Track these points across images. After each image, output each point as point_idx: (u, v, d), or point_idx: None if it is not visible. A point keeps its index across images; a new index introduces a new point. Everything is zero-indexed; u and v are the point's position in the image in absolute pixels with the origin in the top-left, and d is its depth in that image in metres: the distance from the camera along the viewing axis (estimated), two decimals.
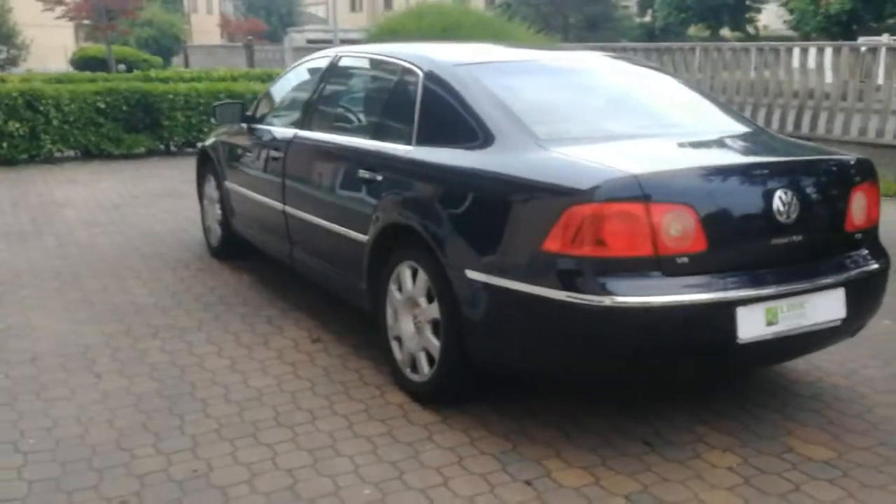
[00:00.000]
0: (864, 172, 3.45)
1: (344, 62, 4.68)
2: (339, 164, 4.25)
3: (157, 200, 8.35)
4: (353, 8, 57.12)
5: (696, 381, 3.71)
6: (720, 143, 3.62)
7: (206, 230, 6.19)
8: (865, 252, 3.41)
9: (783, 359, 3.54)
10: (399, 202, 3.68)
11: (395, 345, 3.80)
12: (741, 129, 3.83)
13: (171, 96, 11.16)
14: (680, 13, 28.85)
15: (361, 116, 4.47)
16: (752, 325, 3.01)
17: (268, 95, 5.42)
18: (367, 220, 3.86)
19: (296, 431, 3.42)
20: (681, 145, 3.50)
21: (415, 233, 3.55)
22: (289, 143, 4.70)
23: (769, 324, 3.05)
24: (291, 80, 5.29)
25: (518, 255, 3.10)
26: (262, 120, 5.30)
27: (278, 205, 4.75)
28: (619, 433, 3.38)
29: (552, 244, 2.96)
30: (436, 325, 3.50)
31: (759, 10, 30.12)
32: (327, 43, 23.24)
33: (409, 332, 3.69)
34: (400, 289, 3.72)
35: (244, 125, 5.41)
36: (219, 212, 5.87)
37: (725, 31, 29.43)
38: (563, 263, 2.96)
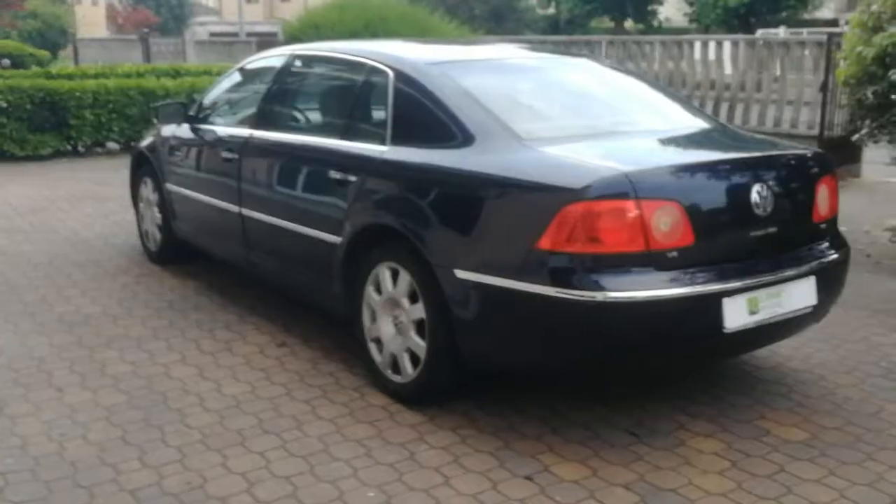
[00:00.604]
0: (825, 165, 3.62)
1: (301, 61, 4.61)
2: (304, 165, 4.19)
3: (76, 204, 8.02)
4: None
5: (682, 370, 3.82)
6: (694, 140, 3.75)
7: (143, 235, 6.00)
8: (829, 241, 3.59)
9: (761, 345, 3.69)
10: (376, 203, 3.67)
11: (373, 346, 3.79)
12: (705, 124, 3.96)
13: (78, 94, 10.72)
14: (586, 5, 29.44)
15: (326, 117, 4.42)
16: (736, 314, 3.13)
17: (212, 94, 5.29)
18: (339, 222, 3.83)
19: (283, 438, 3.37)
20: (659, 142, 3.61)
21: (395, 233, 3.55)
22: (243, 143, 4.60)
23: (751, 313, 3.18)
24: (239, 80, 5.17)
25: (510, 253, 3.13)
26: (206, 120, 5.17)
27: (233, 207, 4.65)
28: (605, 425, 3.46)
29: (546, 242, 3.00)
30: (420, 326, 3.50)
31: (661, 3, 31.01)
32: (233, 36, 22.77)
33: (389, 333, 3.68)
34: (378, 290, 3.70)
35: (187, 125, 5.26)
36: (158, 215, 5.70)
37: (629, 23, 30.20)
38: (557, 261, 3.01)
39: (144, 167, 5.83)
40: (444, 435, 3.38)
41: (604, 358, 3.14)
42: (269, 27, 23.77)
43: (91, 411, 3.61)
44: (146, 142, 5.86)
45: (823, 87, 9.39)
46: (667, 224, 3.02)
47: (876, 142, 6.70)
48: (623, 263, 3.00)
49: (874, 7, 6.28)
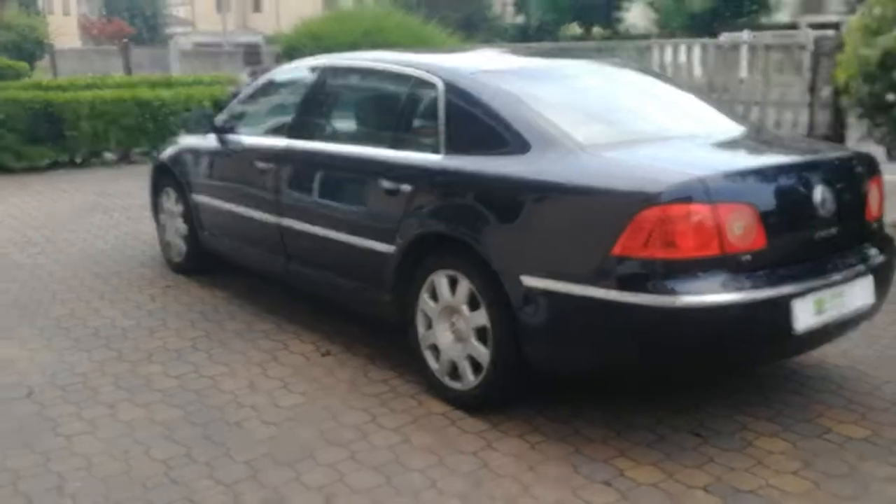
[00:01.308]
0: (873, 166, 3.67)
1: (338, 72, 4.58)
2: (350, 175, 4.18)
3: (84, 216, 7.92)
4: (218, 8, 55.46)
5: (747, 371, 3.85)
6: (748, 143, 3.78)
7: (165, 246, 5.94)
8: (881, 240, 3.64)
9: (822, 344, 3.71)
10: (433, 211, 3.66)
11: (428, 354, 3.78)
12: (744, 127, 4.01)
13: (74, 105, 10.61)
14: (554, 13, 29.59)
15: (372, 127, 4.40)
16: (805, 315, 3.16)
17: (239, 104, 5.25)
18: (391, 231, 3.83)
19: (352, 449, 3.35)
20: (717, 146, 3.64)
21: (454, 241, 3.55)
22: (280, 153, 4.57)
23: (818, 313, 3.21)
24: (270, 90, 5.14)
25: (581, 259, 3.14)
26: (235, 130, 5.14)
27: (271, 218, 4.63)
28: (668, 427, 3.48)
29: (620, 247, 3.01)
30: (481, 333, 3.51)
31: (627, 9, 31.26)
32: (217, 47, 22.61)
33: (446, 340, 3.68)
34: (434, 298, 3.70)
35: (213, 135, 5.23)
36: (183, 226, 5.65)
37: (597, 30, 30.38)
38: (632, 266, 3.02)
39: (166, 178, 5.78)
40: (513, 442, 3.37)
41: (677, 362, 3.16)
42: (251, 38, 23.61)
43: (148, 428, 3.57)
44: (168, 153, 5.80)
45: (811, 89, 9.52)
46: (740, 227, 3.04)
47: (883, 143, 6.79)
48: (698, 268, 3.01)
49: (877, 10, 6.37)
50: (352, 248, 4.08)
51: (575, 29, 30.87)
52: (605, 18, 30.00)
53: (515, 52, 5.78)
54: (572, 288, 3.13)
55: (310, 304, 4.97)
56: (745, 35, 22.71)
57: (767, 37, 23.05)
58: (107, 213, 8.06)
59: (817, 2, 34.19)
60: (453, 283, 3.61)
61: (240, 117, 5.20)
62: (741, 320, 3.06)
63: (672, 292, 2.98)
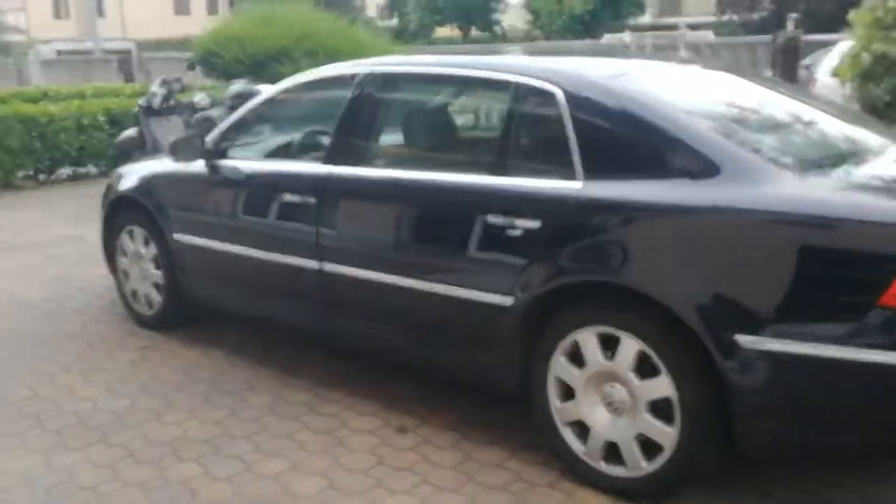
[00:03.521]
0: None
1: (392, 81, 3.72)
2: (437, 209, 3.35)
3: None
4: (57, 15, 51.75)
5: None
6: None
7: (129, 296, 4.87)
8: None
9: None
10: (579, 254, 2.91)
11: (569, 433, 3.03)
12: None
13: None
14: (434, 15, 29.10)
15: (456, 149, 3.58)
16: None
17: (236, 124, 4.28)
18: (507, 279, 3.05)
19: None
20: None
21: (616, 291, 2.82)
22: (320, 183, 3.68)
23: None
24: (283, 105, 4.22)
25: (831, 313, 2.47)
26: (236, 155, 4.20)
27: (308, 262, 3.73)
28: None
29: (892, 297, 2.36)
30: (659, 406, 2.79)
31: (504, 11, 31.18)
32: (83, 54, 20.56)
33: (600, 416, 2.94)
34: (576, 361, 2.95)
35: (203, 161, 4.25)
36: (156, 272, 4.63)
37: (475, 32, 30.15)
38: None
39: (130, 214, 4.73)
40: None
41: None
42: (123, 44, 21.72)
43: None
44: (130, 183, 4.74)
45: None
46: None
47: None
48: None
49: (892, 3, 6.08)
50: (442, 301, 3.27)
51: (452, 31, 30.53)
52: (482, 20, 29.75)
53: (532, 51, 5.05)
54: (819, 349, 2.46)
55: (330, 359, 4.12)
56: (627, 36, 22.99)
57: (648, 37, 23.38)
58: (21, 251, 6.80)
59: (676, 4, 35.37)
60: (608, 343, 2.87)
61: (239, 140, 4.25)
62: None
63: None
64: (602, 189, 2.89)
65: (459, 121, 3.72)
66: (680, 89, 3.24)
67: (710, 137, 2.80)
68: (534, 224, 2.98)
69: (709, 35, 19.49)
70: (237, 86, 8.09)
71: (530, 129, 3.22)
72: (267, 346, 4.40)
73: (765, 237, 2.58)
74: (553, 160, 3.05)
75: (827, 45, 12.49)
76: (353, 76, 3.74)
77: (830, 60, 10.21)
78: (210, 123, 7.77)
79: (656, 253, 2.76)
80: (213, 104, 8.51)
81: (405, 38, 30.08)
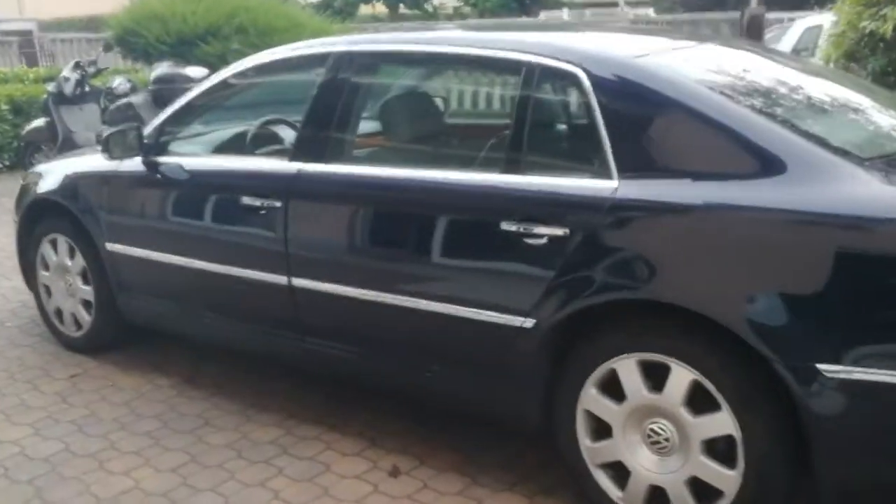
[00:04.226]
0: None
1: (371, 62, 3.18)
2: (434, 214, 2.82)
3: None
4: None
5: None
6: None
7: (52, 315, 4.22)
8: None
9: None
10: (620, 267, 2.45)
11: (601, 475, 2.61)
12: None
13: None
14: None
15: (457, 142, 3.08)
16: None
17: (180, 115, 3.67)
18: (525, 297, 2.58)
19: None
20: None
21: (660, 311, 2.38)
22: (288, 183, 3.14)
23: None
24: (237, 92, 3.63)
25: None
26: (180, 151, 3.62)
27: (275, 277, 3.18)
28: None
29: None
30: (716, 445, 2.38)
31: None
32: None
33: (643, 457, 2.51)
34: (613, 394, 2.51)
35: (140, 159, 3.65)
36: (85, 288, 4.01)
37: (403, 10, 29.36)
38: None
39: (51, 220, 4.09)
40: None
41: None
42: (22, 24, 20.24)
43: None
44: (51, 184, 4.09)
45: None
46: None
47: None
48: None
49: None
50: (440, 322, 2.79)
51: (375, 9, 29.64)
52: None
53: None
54: None
55: (300, 387, 3.60)
56: (566, 14, 22.63)
57: (587, 15, 23.03)
58: None
59: None
60: (652, 372, 2.44)
61: (188, 132, 3.66)
62: None
63: None
64: (644, 189, 2.44)
65: (456, 109, 3.21)
66: (714, 72, 2.79)
67: (771, 129, 2.38)
68: (560, 232, 2.52)
69: (650, 12, 19.19)
70: (161, 69, 7.39)
71: (549, 119, 2.77)
72: (223, 372, 3.84)
73: (849, 245, 2.17)
74: (580, 155, 2.60)
75: (782, 21, 12.33)
76: (325, 56, 3.18)
77: (791, 38, 10.00)
78: (132, 111, 7.11)
79: (715, 266, 2.32)
80: (133, 89, 7.77)
81: (328, 16, 29.13)
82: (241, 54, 8.95)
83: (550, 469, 2.87)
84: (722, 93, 2.52)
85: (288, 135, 3.62)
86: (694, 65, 2.76)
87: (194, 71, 7.26)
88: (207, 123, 3.73)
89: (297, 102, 3.25)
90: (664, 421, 2.46)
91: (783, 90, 2.78)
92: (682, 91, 2.49)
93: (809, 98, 2.80)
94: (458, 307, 2.74)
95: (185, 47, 8.64)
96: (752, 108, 2.48)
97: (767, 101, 2.62)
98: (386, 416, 3.35)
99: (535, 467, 2.93)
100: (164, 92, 6.95)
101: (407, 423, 3.29)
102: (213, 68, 7.67)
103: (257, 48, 9.05)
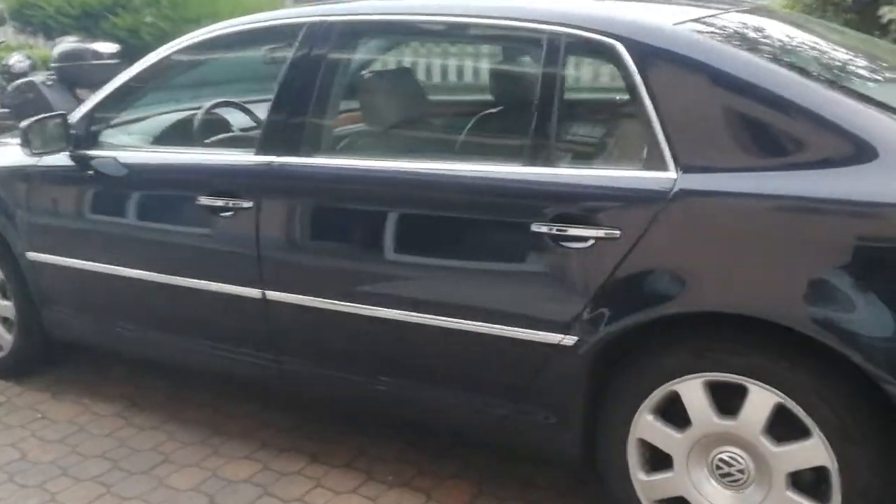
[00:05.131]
0: None
1: (355, 33, 2.69)
2: (450, 215, 2.38)
3: None
4: None
5: None
6: None
7: None
8: None
9: None
10: (684, 275, 2.07)
11: None
12: None
13: None
14: None
15: (471, 128, 2.63)
16: None
17: (114, 102, 3.10)
18: (570, 310, 2.19)
19: None
20: None
21: (734, 324, 2.03)
22: (255, 179, 2.65)
23: None
24: (187, 69, 3.07)
25: None
26: (116, 141, 3.07)
27: (245, 290, 2.70)
28: None
29: None
30: (804, 479, 2.05)
31: None
32: None
33: (712, 491, 2.16)
34: (672, 420, 2.15)
35: (68, 154, 3.09)
36: (4, 303, 3.43)
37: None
38: None
39: None
40: None
41: None
42: None
43: None
44: None
45: None
46: None
47: None
48: None
49: None
50: (457, 340, 2.38)
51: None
52: None
53: None
54: None
55: (271, 410, 3.14)
56: None
57: None
58: None
59: None
60: (722, 395, 2.08)
61: (118, 123, 3.12)
62: None
63: None
64: (711, 182, 2.06)
65: (463, 88, 2.75)
66: (775, 45, 2.42)
67: (858, 110, 2.03)
68: (608, 233, 2.12)
69: None
70: (66, 44, 6.68)
71: (584, 101, 2.33)
72: (174, 395, 3.33)
73: None
74: (627, 144, 2.19)
75: None
76: (295, 27, 2.67)
77: None
78: (34, 91, 6.45)
79: (801, 270, 1.96)
80: (33, 67, 7.03)
81: None
82: (156, 28, 8.30)
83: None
84: (791, 69, 2.15)
85: (238, 120, 3.12)
86: (749, 36, 2.38)
87: (104, 46, 6.59)
88: (149, 109, 3.19)
89: (262, 82, 2.75)
90: (735, 449, 2.11)
91: (852, 66, 2.44)
92: (747, 67, 2.11)
93: (876, 74, 2.47)
94: (481, 324, 2.33)
95: (90, 20, 7.91)
96: (831, 85, 2.13)
97: (841, 77, 2.27)
98: (377, 439, 2.92)
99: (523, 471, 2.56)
100: (71, 70, 6.30)
101: (401, 447, 2.87)
102: (125, 44, 7.02)
103: (173, 22, 8.42)
